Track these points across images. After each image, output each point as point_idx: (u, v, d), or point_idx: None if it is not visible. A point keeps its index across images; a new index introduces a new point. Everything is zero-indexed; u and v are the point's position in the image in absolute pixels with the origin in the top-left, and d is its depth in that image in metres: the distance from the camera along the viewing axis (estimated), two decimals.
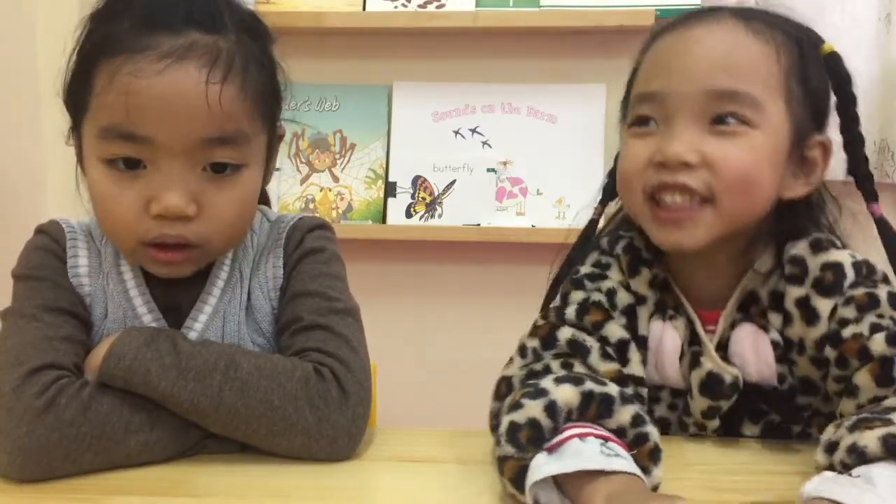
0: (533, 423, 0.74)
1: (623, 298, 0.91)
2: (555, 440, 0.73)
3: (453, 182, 1.94)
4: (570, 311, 0.88)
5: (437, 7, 1.91)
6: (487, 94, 1.96)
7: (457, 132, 1.97)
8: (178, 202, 0.81)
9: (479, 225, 1.92)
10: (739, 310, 0.90)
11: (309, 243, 0.94)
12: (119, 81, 0.80)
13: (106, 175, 0.83)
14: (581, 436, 0.72)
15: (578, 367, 0.82)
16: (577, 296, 0.90)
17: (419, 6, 1.91)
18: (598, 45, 1.90)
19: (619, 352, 0.86)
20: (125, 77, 0.79)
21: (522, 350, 0.86)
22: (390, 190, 1.95)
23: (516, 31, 1.93)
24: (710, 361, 0.87)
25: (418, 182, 1.95)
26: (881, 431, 0.70)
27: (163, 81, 0.79)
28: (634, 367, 0.86)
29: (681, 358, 0.90)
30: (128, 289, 0.90)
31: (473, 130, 1.97)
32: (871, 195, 0.91)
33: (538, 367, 0.82)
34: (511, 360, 0.87)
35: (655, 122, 0.87)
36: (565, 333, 0.85)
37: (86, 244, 0.92)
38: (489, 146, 1.96)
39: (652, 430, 0.75)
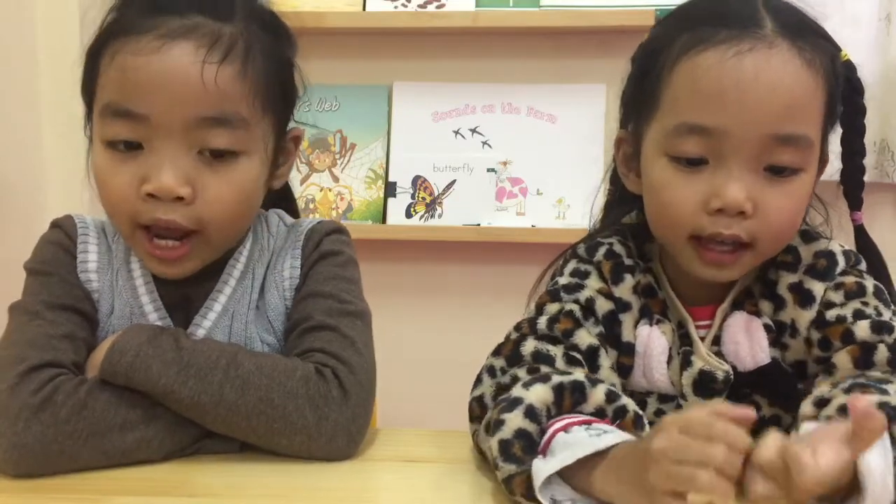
0: (520, 434, 0.74)
1: (602, 306, 0.90)
2: (543, 442, 0.73)
3: (453, 182, 1.94)
4: (542, 322, 0.87)
5: (437, 7, 1.91)
6: (487, 94, 1.96)
7: (457, 132, 1.97)
8: (170, 182, 0.81)
9: (479, 225, 1.92)
10: (731, 303, 0.90)
11: (326, 246, 0.94)
12: (118, 60, 0.82)
13: (107, 156, 0.84)
14: (564, 428, 0.73)
15: (545, 370, 0.82)
16: (551, 308, 0.89)
17: (419, 6, 1.91)
18: (598, 45, 1.90)
19: (589, 359, 0.86)
20: (124, 56, 0.82)
21: (490, 370, 0.86)
22: (390, 190, 1.95)
23: (516, 31, 1.93)
24: (701, 359, 0.87)
25: (418, 182, 1.95)
26: (876, 398, 0.72)
27: (159, 59, 0.81)
28: (604, 374, 0.86)
29: (669, 362, 0.89)
30: (136, 286, 0.91)
31: (473, 130, 1.97)
32: (856, 204, 0.93)
33: (506, 379, 0.82)
34: (479, 380, 0.86)
35: (706, 159, 0.83)
36: (528, 347, 0.85)
37: (96, 240, 0.92)
38: (489, 146, 1.96)
39: (629, 402, 0.77)
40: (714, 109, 0.81)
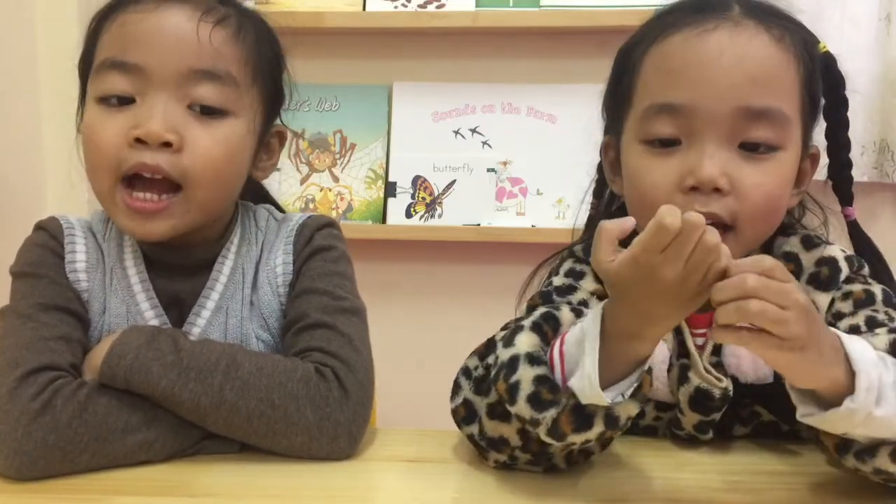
0: (539, 380, 0.73)
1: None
2: (557, 375, 0.73)
3: (453, 182, 1.94)
4: (528, 322, 0.83)
5: (437, 7, 1.91)
6: (487, 94, 1.96)
7: (457, 132, 1.97)
8: (158, 127, 0.83)
9: (479, 225, 1.92)
10: None
11: (318, 241, 0.94)
12: (117, 21, 0.86)
13: (98, 112, 0.86)
14: (561, 343, 0.74)
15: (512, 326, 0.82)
16: (542, 311, 0.86)
17: (419, 6, 1.91)
18: (598, 45, 1.90)
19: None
20: (124, 15, 0.86)
21: (466, 371, 0.84)
22: (390, 190, 1.95)
23: (516, 31, 1.93)
24: (699, 376, 0.84)
25: (418, 182, 1.95)
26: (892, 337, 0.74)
27: (157, 15, 0.86)
28: None
29: (669, 370, 0.87)
30: (131, 284, 0.90)
31: (473, 130, 1.97)
32: (846, 199, 0.92)
33: (480, 372, 0.80)
34: (458, 386, 0.84)
35: (679, 139, 0.81)
36: (500, 335, 0.82)
37: (84, 240, 0.92)
38: (489, 146, 1.96)
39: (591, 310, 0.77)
40: (680, 86, 0.81)
